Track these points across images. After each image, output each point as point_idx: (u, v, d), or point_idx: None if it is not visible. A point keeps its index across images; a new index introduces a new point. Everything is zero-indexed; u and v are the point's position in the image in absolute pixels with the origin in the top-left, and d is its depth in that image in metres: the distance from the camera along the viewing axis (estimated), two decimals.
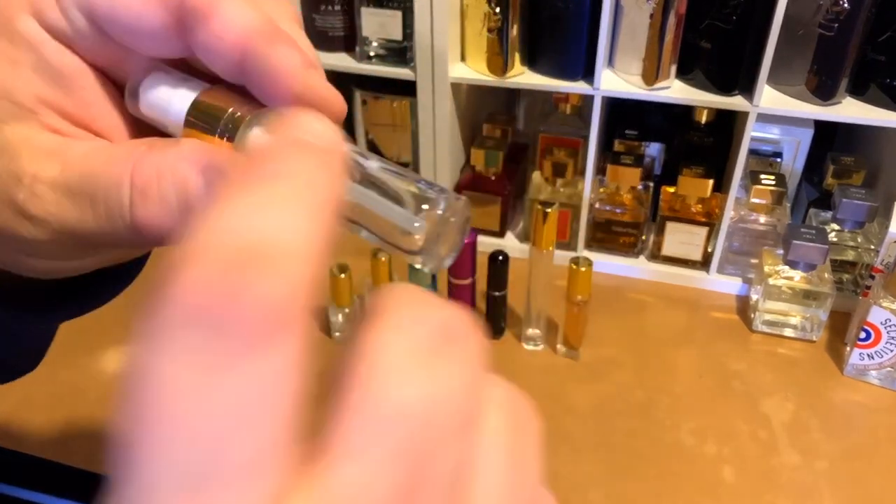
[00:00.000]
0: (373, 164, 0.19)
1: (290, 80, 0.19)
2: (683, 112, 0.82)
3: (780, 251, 0.72)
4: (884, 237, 0.69)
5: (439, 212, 0.19)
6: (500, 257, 0.69)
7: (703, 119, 0.81)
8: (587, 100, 0.76)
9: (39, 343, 0.31)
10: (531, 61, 0.77)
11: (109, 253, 0.24)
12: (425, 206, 0.19)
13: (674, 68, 0.72)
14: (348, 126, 0.91)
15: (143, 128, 0.23)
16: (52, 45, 0.20)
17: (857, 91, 0.71)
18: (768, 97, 0.71)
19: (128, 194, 0.19)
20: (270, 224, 0.12)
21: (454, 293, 0.72)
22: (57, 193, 0.20)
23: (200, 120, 0.20)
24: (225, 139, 0.20)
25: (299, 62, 0.19)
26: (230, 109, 0.20)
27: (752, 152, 0.81)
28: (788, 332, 0.74)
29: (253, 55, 0.19)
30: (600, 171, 0.81)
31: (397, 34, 0.77)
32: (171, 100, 0.21)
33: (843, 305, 0.75)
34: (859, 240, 0.74)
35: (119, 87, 0.22)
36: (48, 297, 0.26)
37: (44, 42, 0.20)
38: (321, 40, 0.82)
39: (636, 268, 0.83)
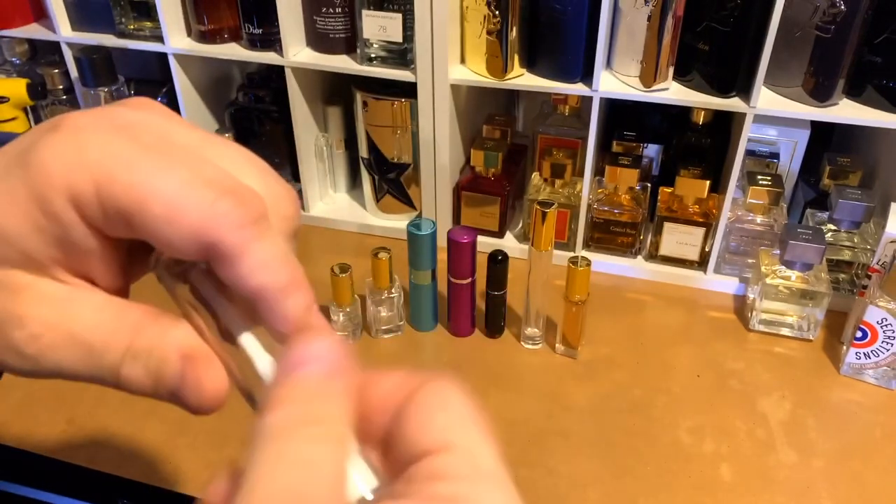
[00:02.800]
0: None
1: (293, 325, 0.22)
2: (681, 113, 0.82)
3: (777, 251, 0.73)
4: (880, 237, 0.70)
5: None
6: (500, 257, 0.70)
7: (701, 120, 0.81)
8: (586, 101, 0.76)
9: None
10: (530, 63, 0.78)
11: None
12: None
13: (672, 70, 0.73)
14: (350, 127, 0.92)
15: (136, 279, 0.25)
16: (79, 228, 0.21)
17: (854, 92, 0.71)
18: (765, 98, 0.71)
19: (122, 356, 0.22)
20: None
21: (454, 293, 0.73)
22: (57, 338, 0.21)
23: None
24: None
25: (303, 307, 0.22)
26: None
27: (750, 153, 0.81)
28: (785, 332, 0.75)
29: (266, 302, 0.21)
30: (599, 171, 0.82)
31: (398, 36, 0.78)
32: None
33: (840, 305, 0.75)
34: (856, 240, 0.75)
35: (126, 248, 0.24)
36: None
37: (73, 224, 0.21)
38: (322, 42, 0.83)
39: (634, 268, 0.84)
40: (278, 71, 0.84)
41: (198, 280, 0.23)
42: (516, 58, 0.76)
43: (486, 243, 0.82)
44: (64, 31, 0.90)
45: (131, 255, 0.24)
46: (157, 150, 0.21)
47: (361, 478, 0.21)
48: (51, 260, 0.22)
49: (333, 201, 0.97)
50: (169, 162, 0.21)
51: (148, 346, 0.22)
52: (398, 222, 0.90)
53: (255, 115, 0.92)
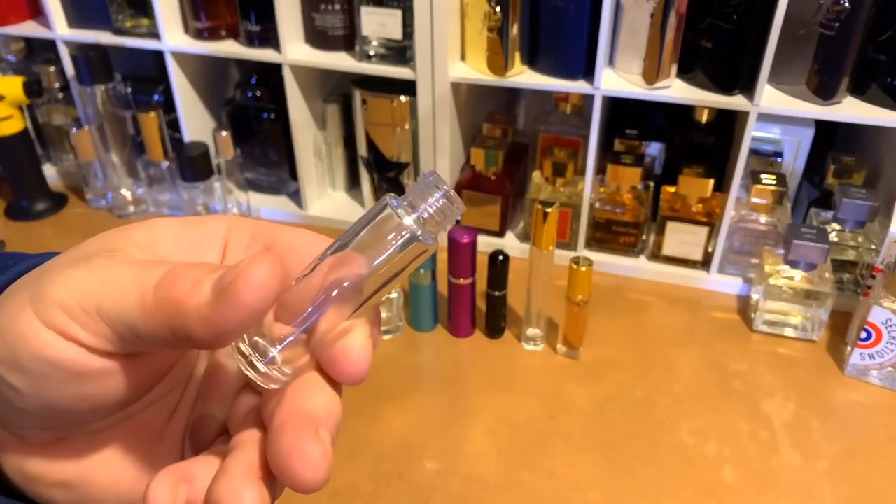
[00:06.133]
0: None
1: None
2: (684, 111, 0.82)
3: (781, 251, 0.72)
4: (884, 237, 0.69)
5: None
6: (501, 257, 0.69)
7: (704, 118, 0.81)
8: (587, 99, 0.76)
9: None
10: (531, 61, 0.77)
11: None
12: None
13: (674, 68, 0.72)
14: (348, 126, 0.91)
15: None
16: (216, 244, 0.25)
17: (858, 90, 0.70)
18: (769, 97, 0.71)
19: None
20: None
21: (454, 293, 0.72)
22: (131, 259, 0.22)
23: None
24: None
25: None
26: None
27: (753, 152, 0.80)
28: (789, 332, 0.74)
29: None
30: (601, 170, 0.81)
31: (397, 33, 0.77)
32: None
33: (844, 305, 0.75)
34: (860, 239, 0.74)
35: None
36: None
37: (214, 238, 0.25)
38: (321, 40, 0.82)
39: (636, 267, 0.83)
40: (276, 69, 0.83)
41: None
42: (517, 55, 0.75)
43: (486, 243, 0.81)
44: (60, 28, 0.89)
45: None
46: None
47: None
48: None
49: (332, 200, 0.96)
50: None
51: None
52: None
53: (253, 113, 0.91)
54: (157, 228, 0.24)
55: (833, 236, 0.74)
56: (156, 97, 0.95)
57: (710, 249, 0.80)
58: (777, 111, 0.70)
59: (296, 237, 0.25)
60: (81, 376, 0.21)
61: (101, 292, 0.20)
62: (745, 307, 0.79)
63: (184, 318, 0.20)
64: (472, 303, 0.73)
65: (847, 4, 0.64)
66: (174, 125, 0.93)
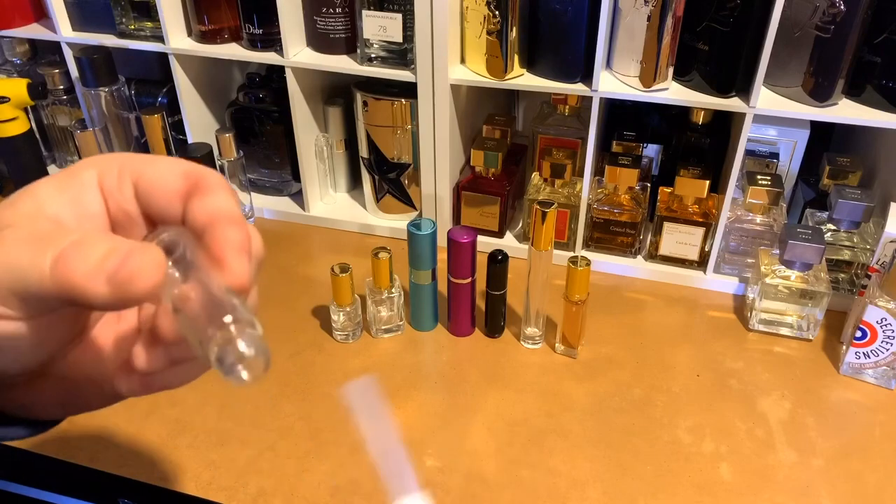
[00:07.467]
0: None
1: (222, 248, 0.26)
2: (681, 113, 0.83)
3: (777, 251, 0.73)
4: (879, 237, 0.70)
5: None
6: (500, 257, 0.70)
7: (701, 120, 0.82)
8: (586, 101, 0.77)
9: None
10: (530, 63, 0.78)
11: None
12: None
13: (671, 70, 0.73)
14: (350, 127, 0.92)
15: None
16: (94, 192, 0.28)
17: (854, 92, 0.71)
18: (765, 98, 0.71)
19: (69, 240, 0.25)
20: None
21: (454, 292, 0.73)
22: (22, 235, 0.25)
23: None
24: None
25: (237, 243, 0.27)
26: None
27: (749, 153, 0.81)
28: (785, 331, 0.75)
29: (220, 224, 0.27)
30: (598, 171, 0.82)
31: (398, 36, 0.78)
32: None
33: (839, 305, 0.76)
34: (855, 240, 0.75)
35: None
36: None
37: (90, 187, 0.28)
38: (322, 43, 0.83)
39: (634, 267, 0.84)
40: (279, 71, 0.84)
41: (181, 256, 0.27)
42: (516, 58, 0.76)
43: (486, 243, 0.82)
44: (64, 31, 0.90)
45: None
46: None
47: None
48: (55, 217, 0.27)
49: (334, 201, 0.97)
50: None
51: (99, 238, 0.25)
52: (398, 222, 0.90)
53: (255, 115, 0.92)
54: (38, 193, 0.27)
55: (828, 236, 0.75)
56: (160, 99, 0.96)
57: (706, 249, 0.81)
58: (773, 113, 0.71)
59: (156, 172, 0.28)
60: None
61: (3, 273, 0.24)
62: (741, 306, 0.79)
63: (84, 298, 0.24)
64: (472, 302, 0.74)
65: (842, 7, 0.65)
66: (178, 127, 0.94)
